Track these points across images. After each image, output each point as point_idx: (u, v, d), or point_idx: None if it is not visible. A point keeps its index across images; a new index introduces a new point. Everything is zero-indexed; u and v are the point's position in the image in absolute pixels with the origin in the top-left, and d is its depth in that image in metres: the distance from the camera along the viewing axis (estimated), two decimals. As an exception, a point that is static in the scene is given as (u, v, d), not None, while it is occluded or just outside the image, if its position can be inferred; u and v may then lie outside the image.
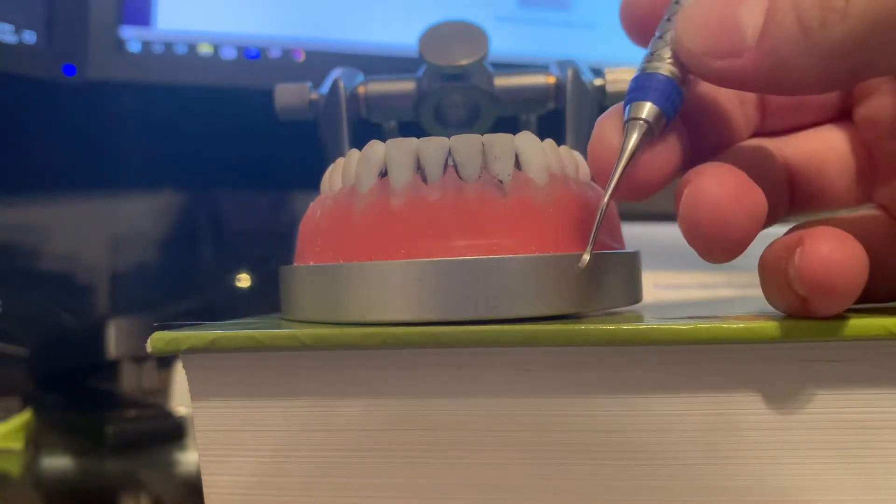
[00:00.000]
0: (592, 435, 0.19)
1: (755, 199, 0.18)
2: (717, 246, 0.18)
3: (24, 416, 0.43)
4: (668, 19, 0.20)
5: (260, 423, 0.20)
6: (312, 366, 0.20)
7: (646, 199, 0.20)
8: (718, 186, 0.18)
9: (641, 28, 0.21)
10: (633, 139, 0.19)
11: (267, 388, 0.20)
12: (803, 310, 0.18)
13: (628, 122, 0.19)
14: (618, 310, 0.22)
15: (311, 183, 0.25)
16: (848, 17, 0.17)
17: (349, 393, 0.19)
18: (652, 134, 0.19)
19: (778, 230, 0.21)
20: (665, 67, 0.19)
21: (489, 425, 0.19)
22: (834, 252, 0.17)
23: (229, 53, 0.53)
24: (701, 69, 0.19)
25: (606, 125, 0.19)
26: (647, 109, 0.19)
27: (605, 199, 0.19)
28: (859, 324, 0.18)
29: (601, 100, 0.33)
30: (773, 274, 0.19)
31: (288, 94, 0.32)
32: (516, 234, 0.20)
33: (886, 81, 0.22)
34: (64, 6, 0.50)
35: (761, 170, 0.21)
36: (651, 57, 0.19)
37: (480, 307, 0.19)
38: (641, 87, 0.19)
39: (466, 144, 0.20)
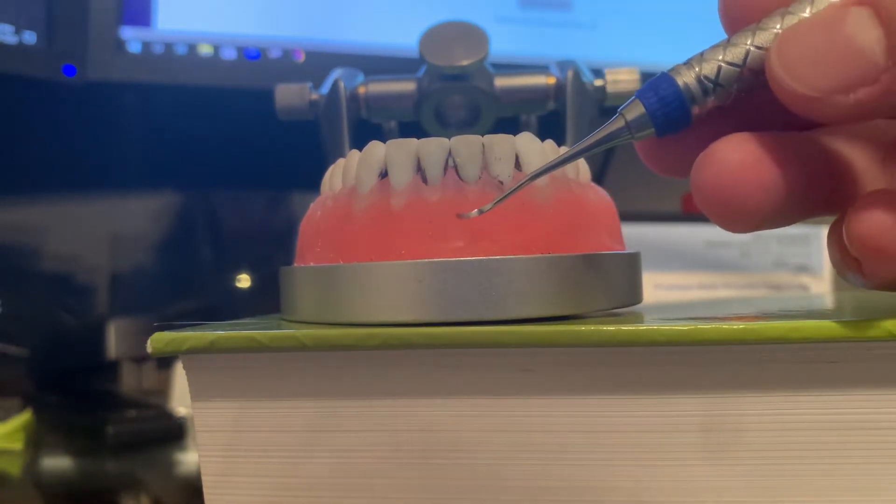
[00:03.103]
0: (592, 435, 0.19)
1: (769, 171, 0.17)
2: (724, 212, 0.17)
3: (24, 417, 0.43)
4: (749, 31, 0.18)
5: (260, 423, 0.20)
6: (312, 366, 0.20)
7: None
8: (730, 151, 0.17)
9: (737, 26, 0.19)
10: (603, 130, 0.19)
11: (267, 388, 0.20)
12: (861, 273, 0.18)
13: (616, 114, 0.19)
14: (618, 310, 0.22)
15: (312, 183, 0.25)
16: None
17: (349, 394, 0.19)
18: (629, 135, 0.19)
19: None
20: (687, 77, 0.18)
21: (489, 426, 0.19)
22: (886, 213, 0.16)
23: (229, 54, 0.53)
24: (827, 110, 0.16)
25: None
26: (635, 111, 0.19)
27: (535, 173, 0.19)
28: (859, 325, 0.18)
29: (601, 100, 0.33)
30: (832, 234, 0.18)
31: (288, 95, 0.32)
32: (516, 236, 0.20)
33: None
34: (64, 6, 0.50)
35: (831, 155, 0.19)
36: (693, 60, 0.18)
37: (480, 308, 0.19)
38: (651, 86, 0.19)
39: (467, 145, 0.20)
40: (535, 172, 0.19)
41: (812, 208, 0.19)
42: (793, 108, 0.17)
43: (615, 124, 0.19)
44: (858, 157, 0.20)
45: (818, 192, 0.19)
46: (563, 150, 0.22)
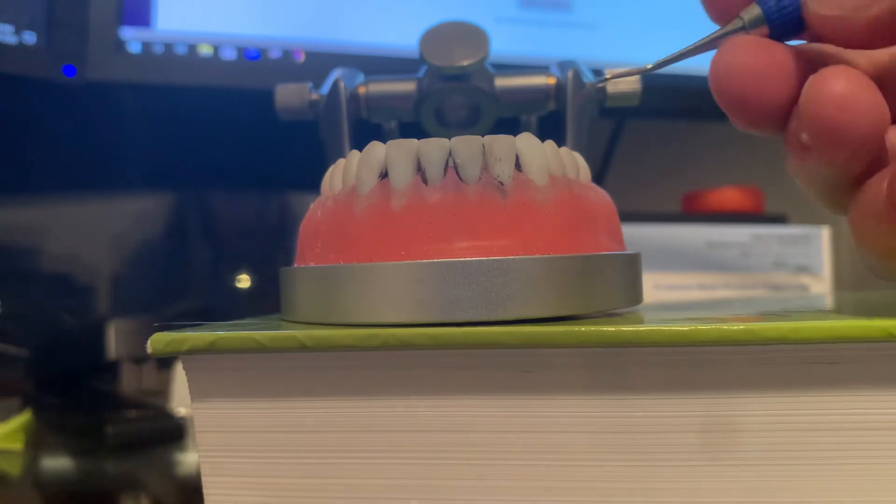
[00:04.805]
0: (592, 436, 0.19)
1: (874, 96, 0.17)
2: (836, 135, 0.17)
3: (23, 417, 0.43)
4: None
5: (260, 424, 0.20)
6: (313, 367, 0.20)
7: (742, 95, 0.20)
8: (840, 79, 0.17)
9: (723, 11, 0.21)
10: (721, 30, 0.20)
11: (267, 389, 0.20)
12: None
13: (736, 17, 0.20)
14: (618, 311, 0.22)
15: (312, 184, 0.25)
16: None
17: (349, 394, 0.19)
18: (744, 31, 0.20)
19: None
20: None
21: (490, 426, 0.19)
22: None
23: (229, 54, 0.53)
24: (849, 27, 0.18)
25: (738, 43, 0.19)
26: (750, 12, 0.20)
27: (658, 61, 0.21)
28: (859, 326, 0.18)
29: (601, 101, 0.33)
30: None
31: (288, 95, 0.32)
32: (517, 236, 0.20)
33: None
34: (64, 6, 0.50)
35: None
36: None
37: (481, 309, 0.19)
38: None
39: (467, 146, 0.20)
40: (669, 58, 0.21)
41: None
42: (822, 31, 0.19)
43: (733, 24, 0.20)
44: None
45: None
46: (564, 150, 0.22)
